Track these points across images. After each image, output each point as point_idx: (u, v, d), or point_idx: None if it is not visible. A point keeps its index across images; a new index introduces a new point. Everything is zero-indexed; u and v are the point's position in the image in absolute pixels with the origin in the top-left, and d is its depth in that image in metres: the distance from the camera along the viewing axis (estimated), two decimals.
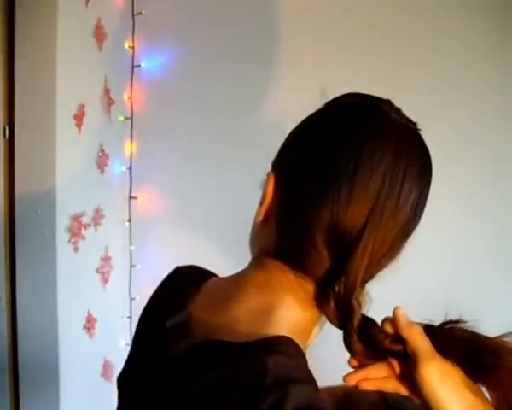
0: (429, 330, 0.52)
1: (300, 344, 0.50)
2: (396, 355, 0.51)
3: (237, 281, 0.56)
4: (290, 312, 0.51)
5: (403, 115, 0.52)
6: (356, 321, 0.49)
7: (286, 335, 0.49)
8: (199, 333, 0.53)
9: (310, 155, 0.50)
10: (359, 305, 0.49)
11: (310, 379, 0.47)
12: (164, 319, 0.57)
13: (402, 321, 0.50)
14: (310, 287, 0.51)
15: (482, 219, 1.43)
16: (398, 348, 0.50)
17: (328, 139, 0.50)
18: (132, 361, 0.62)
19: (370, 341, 0.50)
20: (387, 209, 0.47)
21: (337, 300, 0.48)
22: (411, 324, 0.51)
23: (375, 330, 0.50)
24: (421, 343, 0.49)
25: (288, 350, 0.48)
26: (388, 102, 0.52)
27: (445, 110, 1.41)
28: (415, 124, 0.52)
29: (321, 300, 0.50)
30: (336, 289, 0.48)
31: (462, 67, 1.41)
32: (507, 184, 1.42)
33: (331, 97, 0.56)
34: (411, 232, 0.51)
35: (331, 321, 0.50)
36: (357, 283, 0.48)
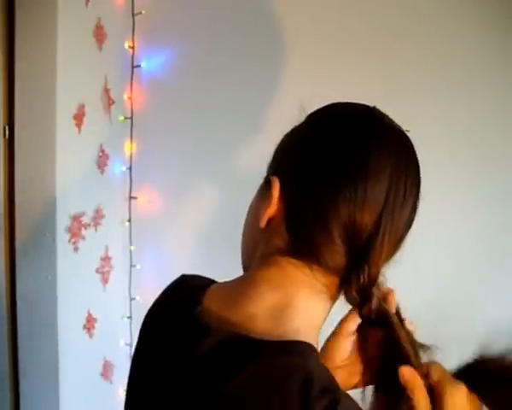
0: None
1: (316, 337, 0.54)
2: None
3: (247, 281, 0.57)
4: (309, 306, 0.54)
5: (392, 120, 0.57)
6: (377, 299, 0.53)
7: (308, 331, 0.52)
8: (218, 330, 0.53)
9: (320, 158, 0.54)
10: (378, 288, 0.53)
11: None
12: (183, 315, 0.57)
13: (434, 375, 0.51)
14: (325, 279, 0.54)
15: (481, 220, 1.43)
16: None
17: (336, 145, 0.54)
18: (145, 364, 0.61)
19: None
20: (397, 204, 0.53)
21: (359, 289, 0.53)
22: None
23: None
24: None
25: (315, 354, 0.51)
26: (375, 108, 0.57)
27: (443, 110, 1.41)
28: (401, 127, 0.57)
29: (343, 289, 0.54)
30: (361, 279, 0.52)
31: (461, 66, 1.41)
32: (507, 184, 1.42)
33: (315, 105, 0.60)
34: (412, 223, 0.56)
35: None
36: (379, 271, 0.53)
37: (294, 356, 0.49)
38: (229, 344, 0.51)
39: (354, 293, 0.53)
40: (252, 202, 0.61)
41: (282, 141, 0.59)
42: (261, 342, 0.50)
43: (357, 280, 0.52)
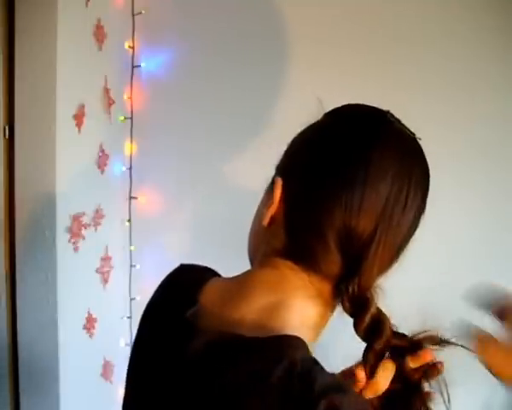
0: None
1: (312, 341, 0.52)
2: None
3: (245, 280, 0.57)
4: (303, 308, 0.53)
5: (404, 125, 0.55)
6: (370, 312, 0.51)
7: (300, 331, 0.51)
8: (213, 328, 0.53)
9: (321, 162, 0.53)
10: (372, 298, 0.51)
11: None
12: (177, 314, 0.57)
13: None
14: (320, 285, 0.53)
15: (483, 220, 1.43)
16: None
17: (339, 147, 0.52)
18: (141, 358, 0.61)
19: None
20: (396, 213, 0.51)
21: (351, 298, 0.51)
22: None
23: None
24: None
25: (304, 347, 0.50)
26: (389, 112, 0.55)
27: (444, 111, 1.41)
28: (414, 134, 0.55)
29: (336, 298, 0.53)
30: (350, 289, 0.50)
31: (462, 66, 1.41)
32: (508, 183, 1.42)
33: (330, 105, 0.58)
34: (414, 233, 0.54)
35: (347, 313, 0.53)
36: (371, 284, 0.51)
37: (281, 348, 0.48)
38: (217, 344, 0.51)
39: (347, 304, 0.51)
40: (260, 202, 0.60)
41: (291, 141, 0.59)
42: (250, 340, 0.50)
43: (347, 291, 0.51)
